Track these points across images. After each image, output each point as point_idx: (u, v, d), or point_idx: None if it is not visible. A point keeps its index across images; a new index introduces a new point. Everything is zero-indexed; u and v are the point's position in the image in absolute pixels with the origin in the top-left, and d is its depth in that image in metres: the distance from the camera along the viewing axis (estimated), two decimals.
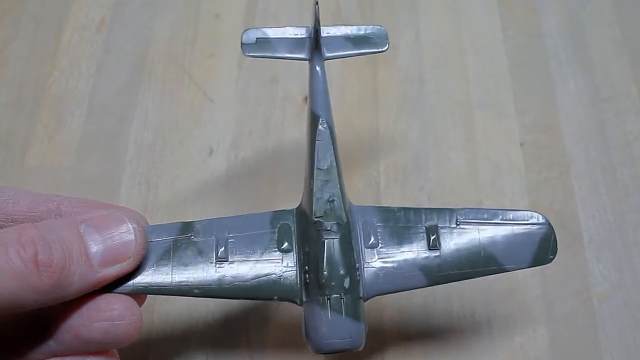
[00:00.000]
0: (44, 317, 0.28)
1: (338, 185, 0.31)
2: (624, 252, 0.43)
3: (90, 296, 0.28)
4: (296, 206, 0.33)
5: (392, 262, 0.31)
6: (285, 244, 0.31)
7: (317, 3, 0.31)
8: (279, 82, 0.50)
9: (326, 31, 0.35)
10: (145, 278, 0.30)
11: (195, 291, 0.30)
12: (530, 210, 0.32)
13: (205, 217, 0.32)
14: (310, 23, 0.33)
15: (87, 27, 0.52)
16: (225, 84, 0.50)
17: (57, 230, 0.27)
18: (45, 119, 0.48)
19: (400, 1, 0.54)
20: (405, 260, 0.31)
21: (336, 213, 0.31)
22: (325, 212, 0.31)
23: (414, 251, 0.31)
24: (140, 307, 0.30)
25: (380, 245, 0.32)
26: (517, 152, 0.46)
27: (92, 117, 0.48)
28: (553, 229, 0.32)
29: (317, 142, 0.32)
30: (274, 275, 0.31)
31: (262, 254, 0.31)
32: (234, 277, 0.30)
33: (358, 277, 0.30)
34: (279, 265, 0.31)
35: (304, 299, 0.30)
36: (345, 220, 0.31)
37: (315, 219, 0.31)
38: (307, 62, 0.34)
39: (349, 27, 0.36)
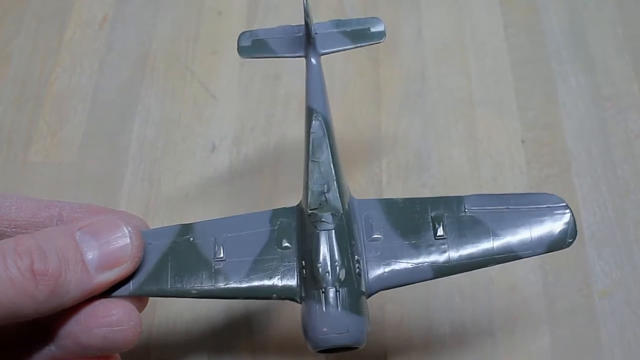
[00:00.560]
0: (45, 322, 0.28)
1: (334, 178, 0.31)
2: (625, 248, 0.43)
3: (88, 302, 0.28)
4: (297, 204, 0.33)
5: (396, 255, 0.30)
6: (285, 242, 0.31)
7: None
8: (281, 78, 0.50)
9: (321, 26, 0.35)
10: (143, 281, 0.30)
11: (194, 292, 0.30)
12: (545, 193, 0.31)
13: (207, 214, 0.33)
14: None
15: (89, 24, 0.53)
16: (228, 80, 0.50)
17: (53, 239, 0.27)
18: (48, 116, 0.48)
19: None
20: (410, 253, 0.30)
21: (331, 204, 0.30)
22: (320, 204, 0.30)
23: (419, 242, 0.30)
24: (140, 312, 0.30)
25: (383, 238, 0.31)
26: (519, 149, 0.47)
27: (95, 113, 0.49)
28: (572, 211, 0.30)
29: (311, 134, 0.32)
30: (272, 274, 0.30)
31: (261, 252, 0.31)
32: (232, 277, 0.30)
33: (358, 270, 0.29)
34: (278, 263, 0.30)
35: (303, 296, 0.30)
36: (341, 212, 0.30)
37: (310, 211, 0.30)
38: (304, 58, 0.34)
39: (343, 21, 0.36)
